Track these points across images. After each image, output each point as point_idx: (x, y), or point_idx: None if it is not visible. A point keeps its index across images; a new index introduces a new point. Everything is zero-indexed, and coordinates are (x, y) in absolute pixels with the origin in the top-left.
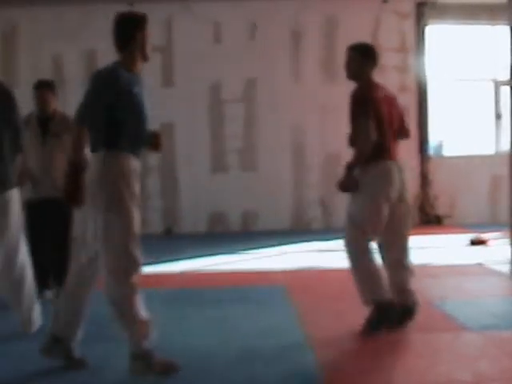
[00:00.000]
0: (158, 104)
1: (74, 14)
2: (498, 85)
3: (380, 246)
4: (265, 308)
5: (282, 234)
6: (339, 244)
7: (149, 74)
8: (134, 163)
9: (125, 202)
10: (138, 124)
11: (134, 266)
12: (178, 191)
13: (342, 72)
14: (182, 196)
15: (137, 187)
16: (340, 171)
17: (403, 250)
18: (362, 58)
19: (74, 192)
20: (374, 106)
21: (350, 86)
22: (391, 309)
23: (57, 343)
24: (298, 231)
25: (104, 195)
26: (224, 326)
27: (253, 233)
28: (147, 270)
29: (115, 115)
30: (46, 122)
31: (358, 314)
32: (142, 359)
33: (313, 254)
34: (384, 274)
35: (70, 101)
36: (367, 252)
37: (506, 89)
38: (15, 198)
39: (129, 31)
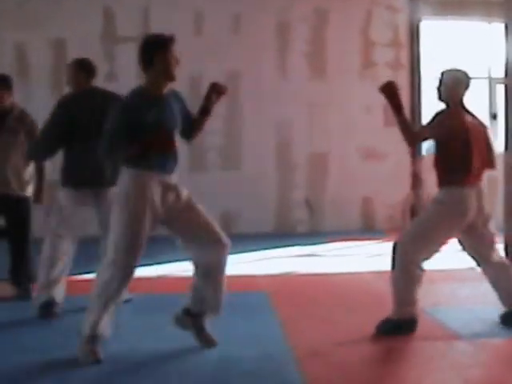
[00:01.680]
0: None
1: (42, 1)
2: (492, 83)
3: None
4: (245, 315)
5: (266, 237)
6: (325, 248)
7: (123, 66)
8: (146, 179)
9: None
10: (150, 145)
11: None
12: None
13: (330, 67)
14: None
15: (147, 200)
16: (327, 171)
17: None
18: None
19: None
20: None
21: (338, 83)
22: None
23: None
24: (282, 234)
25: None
26: None
27: (234, 236)
28: None
29: (129, 139)
30: (1, 117)
31: (344, 321)
32: (87, 343)
33: (297, 259)
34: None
35: (34, 91)
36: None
37: (500, 87)
38: None
39: (148, 54)
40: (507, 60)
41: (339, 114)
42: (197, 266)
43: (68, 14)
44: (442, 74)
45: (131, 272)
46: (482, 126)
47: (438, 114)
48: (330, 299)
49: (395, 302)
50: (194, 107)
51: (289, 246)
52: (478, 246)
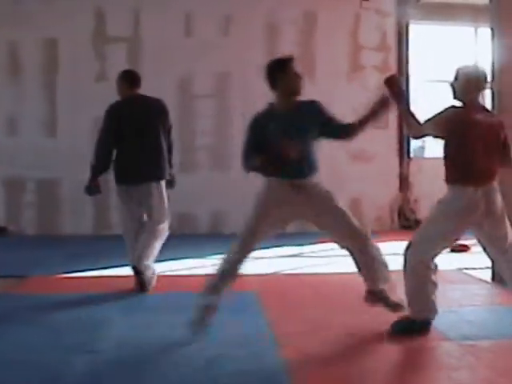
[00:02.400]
0: None
1: (34, 0)
2: None
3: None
4: (234, 315)
5: None
6: (313, 248)
7: (114, 65)
8: (273, 183)
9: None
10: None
11: None
12: None
13: (319, 70)
14: None
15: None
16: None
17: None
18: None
19: None
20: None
21: (326, 85)
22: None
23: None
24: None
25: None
26: (188, 334)
27: (223, 236)
28: (107, 273)
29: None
30: None
31: (331, 321)
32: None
33: (286, 259)
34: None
35: (26, 89)
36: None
37: (487, 91)
38: None
39: (271, 77)
40: (493, 64)
41: None
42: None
43: (59, 14)
44: (457, 70)
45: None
46: (497, 125)
47: (443, 111)
48: (317, 299)
49: (408, 303)
50: (182, 107)
51: (277, 246)
52: (488, 248)
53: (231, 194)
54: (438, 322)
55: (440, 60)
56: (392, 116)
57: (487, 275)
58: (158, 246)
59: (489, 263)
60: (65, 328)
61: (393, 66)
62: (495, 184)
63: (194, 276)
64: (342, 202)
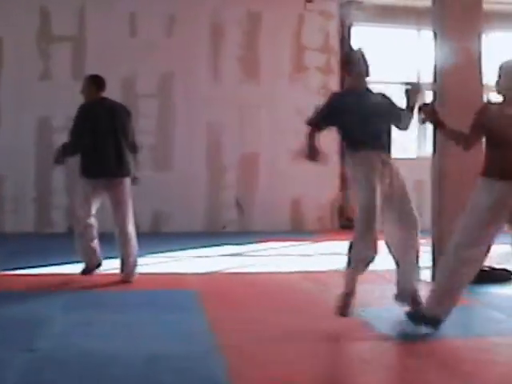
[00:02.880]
0: (66, 97)
1: None
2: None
3: None
4: (174, 313)
5: (196, 236)
6: (254, 248)
7: (58, 64)
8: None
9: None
10: (356, 127)
11: None
12: None
13: (262, 71)
14: None
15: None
16: (257, 172)
17: None
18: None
19: None
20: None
21: (270, 86)
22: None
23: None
24: (212, 234)
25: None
26: (129, 332)
27: (165, 235)
28: (49, 270)
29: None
30: None
31: (271, 320)
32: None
33: (227, 258)
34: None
35: None
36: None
37: (429, 93)
38: None
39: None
40: (435, 66)
41: (270, 116)
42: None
43: (4, 13)
44: (501, 66)
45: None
46: None
47: (478, 110)
48: (257, 298)
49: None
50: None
51: (218, 245)
52: None
53: (173, 193)
54: (380, 322)
55: (383, 62)
56: None
57: (427, 275)
58: (135, 243)
59: (429, 263)
60: (5, 326)
61: (335, 68)
62: None
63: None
64: (284, 202)
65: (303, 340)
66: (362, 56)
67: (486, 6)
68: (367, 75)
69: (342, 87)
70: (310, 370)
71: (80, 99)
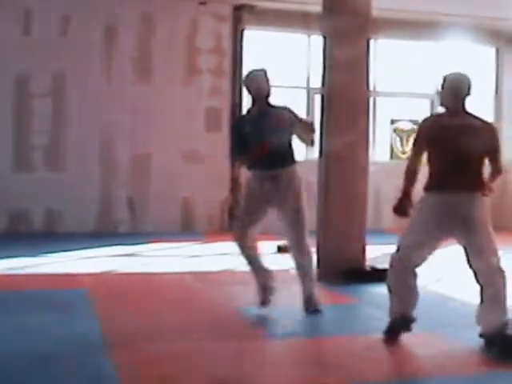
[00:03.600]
0: None
1: None
2: (311, 92)
3: None
4: (66, 312)
5: (87, 236)
6: (146, 248)
7: None
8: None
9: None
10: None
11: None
12: None
13: (155, 72)
14: None
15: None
16: (150, 170)
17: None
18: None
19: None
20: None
21: (162, 86)
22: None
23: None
24: (104, 234)
25: None
26: (19, 331)
27: (57, 234)
28: None
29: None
30: None
31: (164, 320)
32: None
33: (118, 258)
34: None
35: None
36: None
37: (317, 97)
38: None
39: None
40: (324, 71)
41: (163, 117)
42: None
43: None
44: (444, 78)
45: None
46: (481, 130)
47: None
48: (149, 297)
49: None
50: (19, 106)
51: (110, 245)
52: (467, 255)
53: (65, 192)
54: (264, 319)
55: (274, 66)
56: (225, 119)
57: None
58: None
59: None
60: None
61: (227, 70)
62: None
63: (27, 275)
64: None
65: (195, 337)
66: (264, 75)
67: (374, 12)
68: (268, 95)
69: (234, 90)
70: (204, 366)
71: None
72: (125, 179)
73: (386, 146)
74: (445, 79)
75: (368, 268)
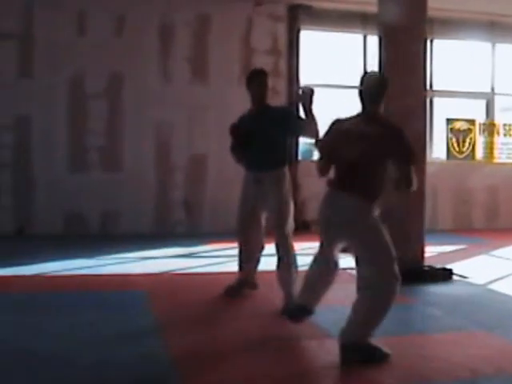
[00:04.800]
0: (13, 95)
1: None
2: None
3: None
4: (124, 314)
5: (145, 237)
6: (203, 249)
7: (3, 62)
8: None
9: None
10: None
11: None
12: (33, 189)
13: (211, 72)
14: (37, 194)
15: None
16: (206, 172)
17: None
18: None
19: None
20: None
21: (218, 87)
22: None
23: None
24: (161, 235)
25: None
26: (80, 333)
27: (113, 236)
28: None
29: None
30: None
31: (222, 320)
32: None
33: (176, 259)
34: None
35: None
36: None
37: None
38: None
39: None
40: (379, 71)
41: (219, 117)
42: None
43: None
44: (362, 77)
45: None
46: (376, 135)
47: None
48: (207, 298)
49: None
50: (74, 107)
51: (167, 246)
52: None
53: (122, 194)
54: (322, 320)
55: (331, 66)
56: None
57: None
58: None
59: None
60: None
61: (283, 71)
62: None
63: (86, 276)
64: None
65: (250, 340)
66: (264, 76)
67: (430, 13)
68: (264, 95)
69: (290, 91)
70: (259, 369)
71: (34, 98)
72: (181, 180)
73: (442, 145)
74: (362, 79)
75: (427, 268)
